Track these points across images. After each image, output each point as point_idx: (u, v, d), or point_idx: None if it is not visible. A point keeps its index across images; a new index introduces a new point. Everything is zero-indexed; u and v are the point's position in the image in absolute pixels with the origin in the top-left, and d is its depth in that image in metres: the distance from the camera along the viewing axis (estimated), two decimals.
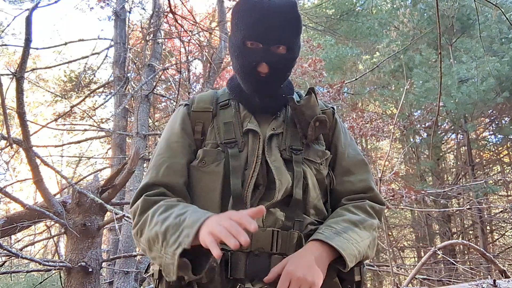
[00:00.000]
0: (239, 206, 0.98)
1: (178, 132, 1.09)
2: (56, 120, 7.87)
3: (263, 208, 0.82)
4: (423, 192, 5.33)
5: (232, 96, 1.14)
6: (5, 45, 8.62)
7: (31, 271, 4.47)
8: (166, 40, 8.81)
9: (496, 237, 10.26)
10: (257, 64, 1.04)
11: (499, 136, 10.01)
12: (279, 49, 1.04)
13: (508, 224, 9.70)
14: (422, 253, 10.48)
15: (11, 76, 2.62)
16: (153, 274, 1.01)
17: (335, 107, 1.21)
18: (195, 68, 10.22)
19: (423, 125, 9.48)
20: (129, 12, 7.36)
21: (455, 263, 5.24)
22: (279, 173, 1.00)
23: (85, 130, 8.32)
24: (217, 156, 1.04)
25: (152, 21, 6.78)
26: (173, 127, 1.11)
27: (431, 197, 5.76)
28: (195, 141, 1.09)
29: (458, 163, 10.84)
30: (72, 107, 7.38)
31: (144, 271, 1.12)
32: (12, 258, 3.55)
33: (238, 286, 0.93)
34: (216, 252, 0.75)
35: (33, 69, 8.38)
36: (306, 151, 1.07)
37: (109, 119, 9.09)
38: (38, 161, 2.97)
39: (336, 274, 0.99)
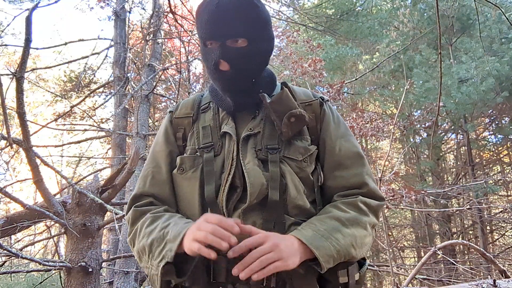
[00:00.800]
0: (215, 211, 0.98)
1: (161, 142, 1.12)
2: (56, 120, 7.88)
3: (238, 221, 0.87)
4: (423, 192, 5.33)
5: (211, 98, 1.13)
6: (5, 45, 8.61)
7: (31, 271, 4.47)
8: (166, 40, 8.82)
9: (496, 237, 10.27)
10: (217, 63, 1.01)
11: (499, 136, 10.02)
12: (237, 43, 1.00)
13: (508, 224, 9.71)
14: (422, 253, 10.49)
15: (11, 76, 2.63)
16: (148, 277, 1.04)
17: (325, 97, 1.14)
18: (195, 68, 10.22)
19: (423, 125, 9.49)
20: (129, 12, 7.37)
21: (455, 263, 5.24)
22: (251, 176, 0.97)
23: (85, 130, 8.32)
24: (194, 162, 1.04)
25: (152, 21, 6.78)
26: (158, 136, 1.16)
27: (431, 197, 5.76)
28: (178, 148, 1.11)
29: (458, 163, 10.85)
30: (72, 107, 7.38)
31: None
32: (12, 258, 3.55)
33: None
34: (211, 255, 0.81)
35: (33, 69, 8.39)
36: (286, 149, 1.02)
37: (109, 119, 9.10)
38: (38, 161, 2.97)
39: (315, 277, 0.93)
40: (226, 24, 0.98)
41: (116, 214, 3.29)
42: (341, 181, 1.05)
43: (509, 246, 9.86)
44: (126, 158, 4.87)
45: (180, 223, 0.94)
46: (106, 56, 7.59)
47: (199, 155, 1.04)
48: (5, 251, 2.90)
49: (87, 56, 7.11)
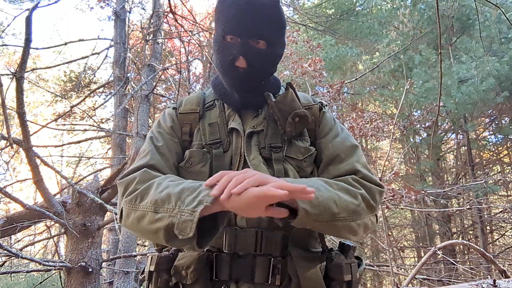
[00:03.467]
0: None
1: (169, 128, 1.08)
2: (56, 120, 7.88)
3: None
4: (423, 192, 5.33)
5: (216, 94, 1.13)
6: (5, 45, 8.62)
7: (31, 271, 4.47)
8: (166, 40, 8.82)
9: (496, 237, 10.26)
10: (235, 58, 1.02)
11: (499, 136, 10.01)
12: (258, 44, 1.02)
13: (508, 224, 9.71)
14: (422, 253, 10.49)
15: (11, 76, 2.63)
16: (144, 275, 1.03)
17: (324, 102, 1.17)
18: (195, 68, 10.24)
19: (423, 125, 9.48)
20: (129, 12, 7.36)
21: (455, 263, 5.24)
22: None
23: (85, 130, 8.33)
24: (203, 156, 1.03)
25: (152, 21, 6.77)
26: (163, 122, 1.11)
27: (431, 197, 5.76)
28: (182, 142, 1.09)
29: (458, 163, 10.84)
30: (72, 107, 7.39)
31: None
32: (12, 258, 3.55)
33: (222, 287, 0.94)
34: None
35: (33, 69, 8.39)
36: (288, 148, 1.03)
37: (109, 119, 9.10)
38: (38, 161, 2.97)
39: (319, 263, 0.93)
40: (254, 23, 1.00)
41: (116, 214, 3.29)
42: (334, 172, 1.01)
43: (509, 246, 9.86)
44: (126, 158, 4.87)
45: None
46: (106, 56, 7.60)
47: (207, 151, 1.04)
48: (5, 251, 2.90)
49: (87, 56, 7.11)
